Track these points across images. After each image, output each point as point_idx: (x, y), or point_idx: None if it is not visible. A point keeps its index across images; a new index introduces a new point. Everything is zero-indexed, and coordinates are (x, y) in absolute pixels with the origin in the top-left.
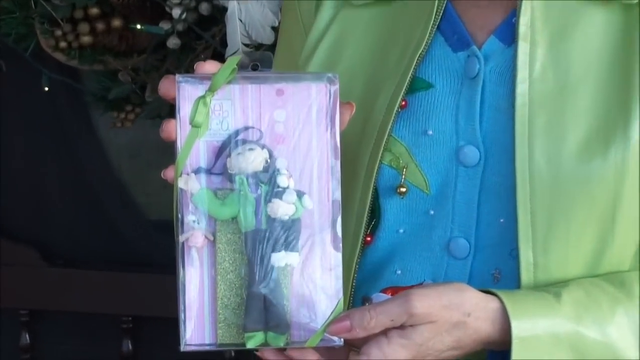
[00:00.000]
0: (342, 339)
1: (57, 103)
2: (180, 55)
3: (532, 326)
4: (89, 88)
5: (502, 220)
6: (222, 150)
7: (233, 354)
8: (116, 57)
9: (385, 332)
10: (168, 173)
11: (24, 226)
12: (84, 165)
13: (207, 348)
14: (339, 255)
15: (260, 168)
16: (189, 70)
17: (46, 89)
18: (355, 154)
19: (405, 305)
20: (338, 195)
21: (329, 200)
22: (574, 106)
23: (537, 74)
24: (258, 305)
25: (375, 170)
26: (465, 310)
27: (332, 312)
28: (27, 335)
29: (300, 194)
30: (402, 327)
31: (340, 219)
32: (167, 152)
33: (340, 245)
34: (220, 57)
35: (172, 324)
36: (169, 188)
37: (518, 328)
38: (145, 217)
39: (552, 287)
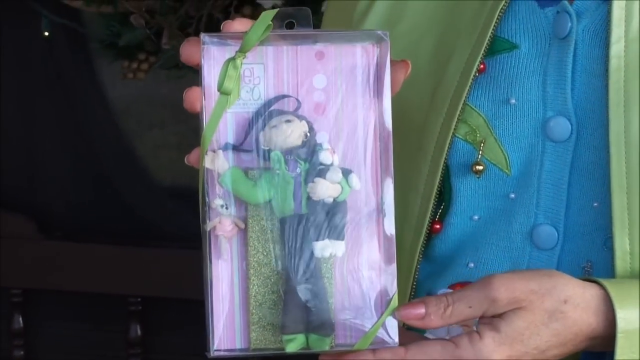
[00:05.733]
0: (396, 340)
1: (58, 51)
2: None
3: None
4: (96, 33)
5: (595, 204)
6: (253, 123)
7: None
8: None
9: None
10: (192, 157)
11: (17, 192)
12: (87, 123)
13: (239, 354)
14: (393, 244)
15: (299, 143)
16: (211, 14)
17: (46, 34)
18: (423, 126)
19: (485, 290)
20: (390, 172)
21: (379, 178)
22: None
23: (634, 33)
24: (298, 303)
25: (447, 144)
26: (560, 296)
27: (385, 310)
28: (20, 318)
29: (346, 172)
30: (490, 319)
31: (392, 200)
32: (187, 112)
33: (393, 231)
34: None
35: (186, 306)
36: (183, 151)
37: (624, 320)
38: (157, 184)
39: None
